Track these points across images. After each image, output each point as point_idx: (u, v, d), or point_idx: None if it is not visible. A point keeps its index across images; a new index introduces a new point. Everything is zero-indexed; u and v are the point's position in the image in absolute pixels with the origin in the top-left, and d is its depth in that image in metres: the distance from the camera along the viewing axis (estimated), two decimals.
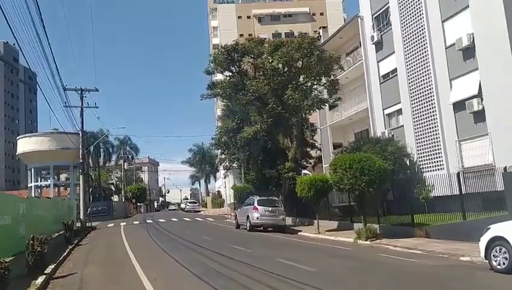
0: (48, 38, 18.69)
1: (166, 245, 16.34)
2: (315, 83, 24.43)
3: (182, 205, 72.95)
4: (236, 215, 25.21)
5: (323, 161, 35.46)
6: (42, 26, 16.94)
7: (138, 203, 78.78)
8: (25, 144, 51.38)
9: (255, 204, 22.19)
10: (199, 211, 58.22)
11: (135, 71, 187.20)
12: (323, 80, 24.62)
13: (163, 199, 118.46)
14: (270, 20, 72.35)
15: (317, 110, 25.79)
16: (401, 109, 25.75)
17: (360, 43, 29.94)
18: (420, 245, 14.30)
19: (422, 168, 23.68)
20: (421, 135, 23.87)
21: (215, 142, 28.60)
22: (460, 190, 17.39)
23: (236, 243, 16.29)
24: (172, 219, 38.13)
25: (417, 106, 24.10)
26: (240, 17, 75.13)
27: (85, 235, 26.35)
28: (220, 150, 40.24)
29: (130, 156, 77.23)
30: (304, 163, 35.87)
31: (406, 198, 19.02)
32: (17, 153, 55.97)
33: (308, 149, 36.55)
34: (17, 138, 57.43)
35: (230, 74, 25.82)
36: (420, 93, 23.83)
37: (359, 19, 28.94)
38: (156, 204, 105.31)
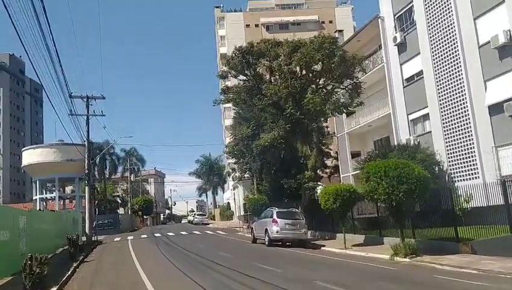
0: (55, 44, 17.51)
1: (182, 263, 14.67)
2: (336, 85, 22.80)
3: (190, 218, 71.18)
4: (252, 228, 23.45)
5: (340, 171, 33.73)
6: (49, 32, 15.53)
7: (144, 216, 77.20)
8: (29, 156, 50.28)
9: (274, 216, 20.46)
10: (208, 224, 56.41)
11: (142, 79, 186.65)
12: (345, 83, 23.00)
13: (169, 212, 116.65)
14: (278, 28, 71.04)
15: (338, 116, 24.17)
16: (428, 114, 24.08)
17: (380, 45, 28.43)
18: (471, 263, 12.52)
19: (454, 176, 21.96)
20: (452, 141, 22.16)
21: (228, 150, 26.84)
22: (506, 200, 15.59)
23: (259, 260, 14.58)
24: (182, 233, 36.42)
25: (447, 110, 22.42)
26: (248, 25, 74.05)
27: (91, 251, 24.71)
28: (232, 159, 38.66)
29: (136, 168, 75.61)
30: (320, 173, 34.11)
31: (438, 209, 17.28)
32: (22, 165, 54.90)
33: (323, 158, 34.80)
34: (22, 149, 56.39)
35: (245, 77, 24.29)
36: (450, 96, 22.17)
37: (379, 19, 27.43)
38: (162, 216, 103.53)
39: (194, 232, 36.59)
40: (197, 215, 63.07)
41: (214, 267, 13.12)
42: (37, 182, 51.70)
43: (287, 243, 20.81)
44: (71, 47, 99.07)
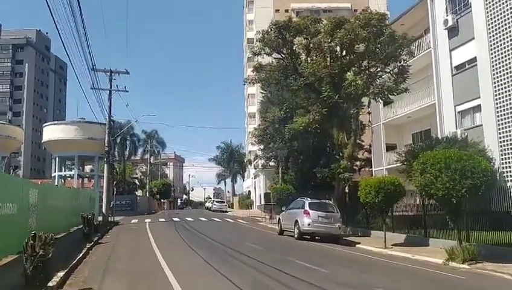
0: (83, 18, 16.27)
1: (206, 252, 13.01)
2: (382, 67, 20.67)
3: (208, 204, 69.83)
4: (279, 219, 21.67)
5: (373, 164, 31.65)
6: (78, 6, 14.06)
7: (162, 200, 76.34)
8: (50, 132, 49.42)
9: (307, 207, 18.62)
10: (226, 212, 54.93)
11: (168, 59, 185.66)
12: (391, 66, 20.87)
13: (186, 197, 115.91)
14: (309, 15, 68.54)
15: (380, 101, 22.02)
16: (479, 106, 21.84)
17: (426, 29, 26.21)
18: None
19: (507, 175, 19.78)
20: (507, 136, 19.93)
21: (257, 133, 24.92)
22: None
23: (294, 255, 12.84)
24: (201, 219, 34.94)
25: (503, 101, 20.15)
26: (277, 10, 71.65)
27: (107, 231, 23.34)
28: (256, 146, 36.80)
29: (156, 150, 74.63)
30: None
31: (490, 211, 15.26)
32: (42, 141, 54.30)
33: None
34: (43, 125, 55.67)
35: (280, 56, 22.37)
36: (509, 86, 19.88)
37: (429, 0, 25.11)
38: (179, 201, 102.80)
39: (214, 219, 35.08)
40: (216, 202, 61.58)
41: (245, 261, 11.39)
42: (57, 158, 50.86)
43: (316, 237, 19.03)
44: (98, 25, 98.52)
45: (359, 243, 18.44)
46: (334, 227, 18.52)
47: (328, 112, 21.24)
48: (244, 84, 24.27)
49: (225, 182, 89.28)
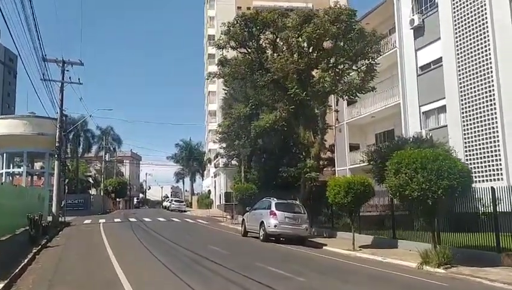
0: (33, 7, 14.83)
1: (168, 258, 11.93)
2: (350, 65, 20.17)
3: (166, 203, 67.94)
4: (244, 220, 20.75)
5: (336, 164, 31.37)
6: None
7: (117, 199, 73.80)
8: None
9: (273, 208, 17.81)
10: (185, 211, 53.46)
11: (124, 53, 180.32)
12: (359, 64, 20.43)
13: (143, 196, 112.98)
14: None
15: (347, 99, 21.48)
16: (444, 106, 21.83)
17: (391, 29, 26.16)
18: None
19: (474, 176, 19.74)
20: (472, 137, 19.95)
21: (222, 129, 23.79)
22: None
23: (264, 261, 11.95)
24: (159, 219, 33.52)
25: (469, 102, 20.17)
26: (239, 7, 70.65)
27: (56, 233, 21.70)
28: (218, 144, 35.71)
29: (112, 148, 71.93)
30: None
31: (456, 212, 15.06)
32: None
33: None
34: None
35: (246, 50, 21.45)
36: (474, 87, 19.91)
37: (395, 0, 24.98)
38: (135, 200, 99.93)
39: (173, 219, 33.73)
40: (174, 201, 59.91)
41: (211, 268, 10.40)
42: (4, 155, 47.88)
43: (281, 239, 18.28)
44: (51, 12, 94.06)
45: (326, 245, 17.81)
46: (301, 228, 17.82)
47: (295, 109, 20.57)
48: (208, 79, 22.98)
49: (183, 181, 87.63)
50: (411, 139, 20.42)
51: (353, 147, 30.30)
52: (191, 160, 75.98)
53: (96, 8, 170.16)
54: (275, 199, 18.64)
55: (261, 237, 18.03)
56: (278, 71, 19.38)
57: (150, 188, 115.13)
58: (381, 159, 19.49)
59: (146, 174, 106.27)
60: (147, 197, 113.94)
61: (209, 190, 48.17)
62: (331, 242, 18.67)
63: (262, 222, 18.07)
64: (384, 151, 19.63)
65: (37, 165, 58.10)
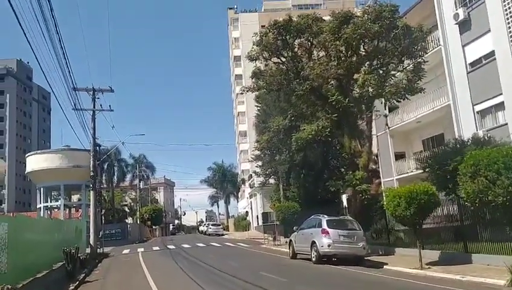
0: (62, 42, 14.60)
1: (217, 288, 10.51)
2: (397, 64, 18.59)
3: (203, 228, 66.74)
4: (291, 241, 19.18)
5: (381, 175, 29.44)
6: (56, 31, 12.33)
7: (153, 226, 73.20)
8: (34, 162, 46.98)
9: (325, 226, 16.21)
10: (223, 235, 52.09)
11: (154, 77, 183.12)
12: (405, 63, 18.84)
13: (178, 222, 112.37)
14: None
15: (395, 103, 19.81)
16: (502, 103, 19.88)
17: (432, 27, 24.36)
18: None
19: None
20: None
21: (261, 145, 22.38)
22: None
23: (324, 287, 10.42)
24: (198, 244, 32.23)
25: None
26: (263, 26, 69.99)
27: (95, 266, 20.69)
28: (258, 161, 34.29)
29: (145, 175, 71.89)
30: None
31: None
32: (26, 172, 51.55)
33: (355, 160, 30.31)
34: (26, 155, 52.89)
35: (280, 60, 20.26)
36: None
37: None
38: (171, 227, 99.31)
39: (212, 244, 32.38)
40: (212, 225, 58.64)
41: None
42: (41, 189, 48.25)
43: (333, 259, 16.59)
44: (78, 46, 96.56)
45: (386, 264, 16.02)
46: (358, 247, 16.10)
47: (338, 118, 19.09)
48: (242, 93, 21.69)
49: (218, 204, 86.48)
50: (469, 141, 18.53)
51: (398, 156, 28.37)
52: (224, 182, 74.95)
53: (119, 27, 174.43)
54: (325, 216, 17.03)
55: (313, 259, 16.39)
56: (318, 78, 18.05)
57: (185, 213, 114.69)
58: (439, 165, 17.75)
59: (180, 199, 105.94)
60: (182, 223, 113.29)
61: (247, 211, 46.79)
62: (391, 260, 16.86)
63: (313, 242, 16.45)
64: (442, 156, 17.86)
65: (74, 197, 58.32)
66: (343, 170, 30.69)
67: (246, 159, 69.44)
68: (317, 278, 13.09)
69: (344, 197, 34.62)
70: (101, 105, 28.03)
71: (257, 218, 51.31)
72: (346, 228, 16.48)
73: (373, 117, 20.37)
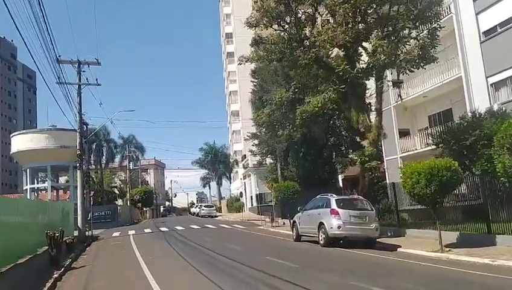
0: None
1: (219, 276, 9.27)
2: (412, 29, 17.00)
3: (195, 210, 65.42)
4: (295, 222, 17.84)
5: (384, 153, 28.16)
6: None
7: (144, 208, 71.83)
8: (19, 142, 45.25)
9: (334, 206, 14.87)
10: (216, 216, 50.83)
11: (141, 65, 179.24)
12: (419, 29, 17.30)
13: (169, 204, 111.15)
14: None
15: (407, 73, 18.18)
16: None
17: None
18: None
19: None
20: None
21: (261, 119, 20.63)
22: None
23: (352, 276, 9.15)
24: (192, 226, 30.90)
25: None
26: (256, 1, 67.56)
27: (83, 250, 19.25)
28: (255, 139, 32.65)
29: (135, 156, 70.19)
30: (353, 156, 28.35)
31: None
32: (11, 153, 49.73)
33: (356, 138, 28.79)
34: (11, 135, 50.97)
35: (282, 28, 18.60)
36: None
37: None
38: (162, 209, 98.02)
39: (207, 226, 31.07)
40: (204, 207, 57.26)
41: None
42: (28, 170, 46.65)
43: (340, 242, 15.27)
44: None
45: (400, 247, 14.76)
46: (371, 228, 14.79)
47: (344, 89, 17.60)
48: (240, 64, 19.95)
49: (209, 185, 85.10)
50: (486, 115, 17.23)
51: (402, 133, 27.07)
52: (216, 163, 73.49)
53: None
54: (333, 195, 15.69)
55: (321, 241, 15.06)
56: (325, 44, 16.46)
57: (175, 195, 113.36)
58: (456, 140, 16.45)
59: (171, 181, 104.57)
60: (173, 204, 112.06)
61: (241, 192, 45.46)
62: (403, 242, 15.60)
63: (321, 224, 15.11)
64: (458, 131, 16.55)
65: (62, 179, 56.75)
66: (343, 148, 29.46)
67: (239, 140, 67.93)
68: (333, 263, 11.78)
69: (340, 178, 33.45)
70: (87, 79, 26.22)
71: (251, 199, 50.10)
72: (357, 207, 15.16)
73: (383, 88, 18.80)
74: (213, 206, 58.11)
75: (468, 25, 21.00)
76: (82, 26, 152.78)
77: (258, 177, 44.96)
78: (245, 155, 46.13)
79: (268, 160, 34.02)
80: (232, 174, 73.84)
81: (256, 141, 33.71)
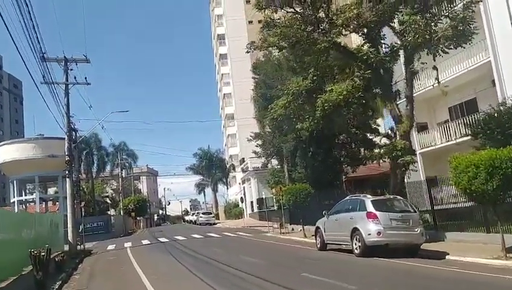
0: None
1: None
2: (448, 2, 14.92)
3: (191, 217, 62.86)
4: (319, 229, 15.56)
5: None
6: None
7: (137, 217, 69.22)
8: (4, 153, 42.71)
9: (370, 208, 12.67)
10: (215, 224, 48.40)
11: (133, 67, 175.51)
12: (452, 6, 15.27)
13: (163, 212, 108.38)
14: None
15: (441, 55, 15.93)
16: None
17: None
18: None
19: None
20: None
21: (276, 113, 18.27)
22: None
23: None
24: (194, 236, 28.50)
25: None
26: (248, 1, 65.58)
27: (75, 268, 16.75)
28: (258, 140, 30.29)
29: (127, 164, 67.70)
30: (366, 153, 26.20)
31: None
32: None
33: (369, 135, 26.60)
34: None
35: (294, 10, 16.48)
36: None
37: None
38: (156, 217, 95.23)
39: (210, 235, 28.68)
40: (202, 214, 54.67)
41: None
42: (15, 182, 44.19)
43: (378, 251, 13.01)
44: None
45: (447, 254, 12.61)
46: (416, 233, 12.57)
47: (369, 75, 15.49)
48: (248, 52, 17.71)
49: (204, 192, 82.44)
50: None
51: (420, 127, 25.02)
52: (212, 169, 71.03)
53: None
54: (368, 196, 13.50)
55: (357, 251, 12.81)
56: (350, 22, 14.35)
57: (169, 203, 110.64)
58: (501, 129, 14.41)
59: (164, 189, 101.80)
60: (167, 213, 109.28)
61: (241, 198, 43.13)
62: (448, 248, 13.44)
63: (355, 229, 12.87)
64: (504, 118, 14.50)
65: (51, 190, 54.23)
66: (353, 145, 27.36)
67: (235, 144, 65.64)
68: (390, 279, 9.48)
69: (342, 179, 31.24)
70: (75, 77, 23.87)
71: (251, 204, 47.80)
72: (398, 209, 12.96)
73: (417, 71, 16.57)
74: (211, 213, 55.60)
75: (498, 4, 19.07)
76: (72, 25, 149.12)
77: (259, 181, 42.75)
78: (243, 158, 43.87)
79: (274, 161, 31.80)
80: (228, 179, 71.41)
81: (260, 142, 31.52)
